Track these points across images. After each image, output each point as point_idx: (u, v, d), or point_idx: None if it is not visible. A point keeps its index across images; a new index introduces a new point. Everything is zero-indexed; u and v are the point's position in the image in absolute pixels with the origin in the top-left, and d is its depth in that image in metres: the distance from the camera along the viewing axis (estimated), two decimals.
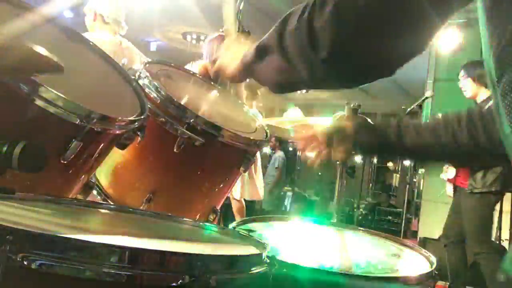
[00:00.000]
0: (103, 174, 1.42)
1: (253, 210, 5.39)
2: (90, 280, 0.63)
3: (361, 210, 9.62)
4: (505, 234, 4.97)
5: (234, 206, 4.09)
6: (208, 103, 1.66)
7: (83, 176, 1.20)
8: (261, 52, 0.88)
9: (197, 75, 1.88)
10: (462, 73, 3.53)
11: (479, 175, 3.43)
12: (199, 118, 1.33)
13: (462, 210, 3.64)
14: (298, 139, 1.41)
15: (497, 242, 4.87)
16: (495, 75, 0.68)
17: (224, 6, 1.30)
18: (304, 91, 11.45)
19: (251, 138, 1.49)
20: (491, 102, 2.75)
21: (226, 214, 4.25)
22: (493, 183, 3.39)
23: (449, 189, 3.95)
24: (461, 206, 3.64)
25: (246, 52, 0.96)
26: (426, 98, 4.67)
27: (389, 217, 9.24)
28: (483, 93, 3.43)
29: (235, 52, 1.02)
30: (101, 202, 1.37)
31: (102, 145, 1.15)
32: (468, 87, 3.47)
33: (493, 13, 0.66)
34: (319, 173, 12.55)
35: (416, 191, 7.80)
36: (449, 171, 3.84)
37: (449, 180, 3.94)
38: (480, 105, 3.39)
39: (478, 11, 0.69)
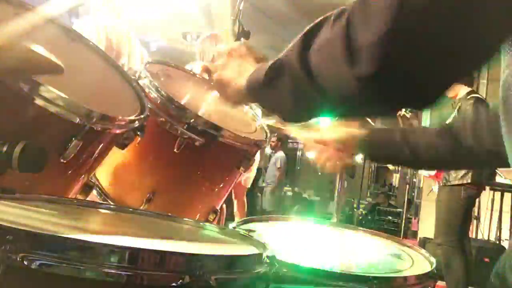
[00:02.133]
0: (103, 174, 1.42)
1: (253, 210, 5.39)
2: (90, 280, 0.63)
3: (361, 210, 9.62)
4: (505, 234, 4.97)
5: (238, 208, 4.11)
6: (208, 103, 1.66)
7: (83, 176, 1.20)
8: (275, 71, 0.74)
9: (197, 75, 1.88)
10: None
11: None
12: (199, 118, 1.33)
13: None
14: (308, 147, 1.36)
15: (497, 241, 4.88)
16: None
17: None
18: None
19: (251, 138, 1.49)
20: (468, 97, 2.79)
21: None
22: (465, 176, 3.47)
23: (435, 187, 4.01)
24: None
25: (255, 70, 0.80)
26: None
27: (389, 217, 9.25)
28: (462, 91, 3.59)
29: (238, 66, 0.88)
30: (101, 202, 1.37)
31: (102, 144, 1.15)
32: None
33: None
34: (319, 173, 12.54)
35: (416, 191, 7.81)
36: None
37: (430, 176, 4.01)
38: (461, 102, 3.53)
39: None
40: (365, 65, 0.58)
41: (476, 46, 0.57)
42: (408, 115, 3.92)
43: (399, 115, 3.88)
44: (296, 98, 0.73)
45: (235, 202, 4.18)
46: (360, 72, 0.59)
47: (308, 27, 0.69)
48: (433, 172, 3.90)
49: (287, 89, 0.73)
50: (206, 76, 1.74)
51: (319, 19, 0.68)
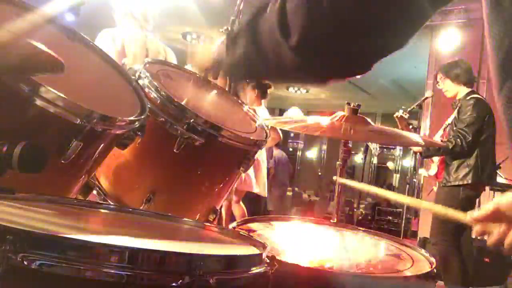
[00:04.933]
0: (103, 174, 1.42)
1: (257, 210, 5.37)
2: (90, 280, 0.63)
3: (361, 210, 9.62)
4: None
5: (236, 211, 4.09)
6: (208, 103, 1.66)
7: (83, 176, 1.20)
8: (233, 38, 0.86)
9: (197, 75, 1.88)
10: (440, 75, 3.70)
11: (452, 169, 3.51)
12: (199, 118, 1.33)
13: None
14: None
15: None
16: (497, 84, 0.66)
17: None
18: (304, 91, 11.48)
19: (251, 138, 1.49)
20: (468, 97, 2.78)
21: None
22: (465, 177, 3.46)
23: (436, 187, 4.00)
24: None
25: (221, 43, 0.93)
26: (426, 98, 4.67)
27: (389, 217, 9.24)
28: (462, 91, 3.59)
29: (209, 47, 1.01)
30: (101, 202, 1.37)
31: (102, 145, 1.15)
32: (449, 87, 3.66)
33: (494, 20, 0.64)
34: (319, 173, 12.55)
35: (416, 191, 7.82)
36: (432, 168, 3.89)
37: (430, 177, 3.99)
38: (461, 103, 3.51)
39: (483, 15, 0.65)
40: (293, 37, 0.70)
41: (398, 18, 0.66)
42: (405, 116, 3.90)
43: (396, 116, 3.87)
44: (247, 63, 0.86)
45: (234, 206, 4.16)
46: (291, 43, 0.71)
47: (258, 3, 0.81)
48: (433, 172, 3.89)
49: (240, 54, 0.85)
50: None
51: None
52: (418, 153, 3.93)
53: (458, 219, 0.88)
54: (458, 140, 3.39)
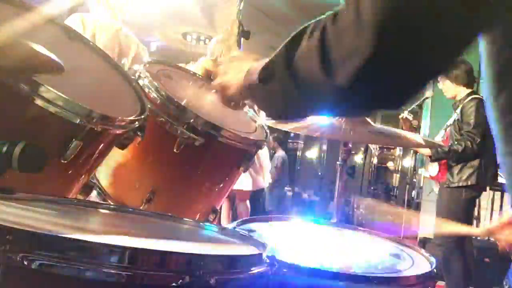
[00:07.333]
0: (103, 174, 1.42)
1: (256, 210, 5.37)
2: (90, 280, 0.63)
3: (361, 210, 9.61)
4: None
5: (240, 210, 4.09)
6: (208, 103, 1.66)
7: (83, 176, 1.20)
8: (267, 74, 0.77)
9: (197, 75, 1.88)
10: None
11: (456, 170, 3.51)
12: (199, 118, 1.33)
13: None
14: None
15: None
16: (493, 92, 0.67)
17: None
18: None
19: (251, 138, 1.49)
20: (469, 98, 2.75)
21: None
22: (469, 178, 3.46)
23: (436, 188, 4.00)
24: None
25: (250, 70, 0.84)
26: (426, 98, 4.67)
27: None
28: (462, 92, 3.60)
29: (238, 68, 0.90)
30: (101, 202, 1.37)
31: (102, 145, 1.15)
32: (448, 88, 3.67)
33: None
34: (319, 173, 12.55)
35: (416, 191, 7.82)
36: (432, 168, 3.88)
37: (431, 177, 3.99)
38: (463, 104, 3.50)
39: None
40: (340, 77, 0.63)
41: (437, 61, 0.61)
42: (410, 117, 3.92)
43: (402, 117, 3.89)
44: (285, 100, 0.77)
45: (239, 205, 4.17)
46: (336, 84, 0.64)
47: (291, 36, 0.73)
48: (434, 173, 3.89)
49: (277, 92, 0.77)
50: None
51: (300, 29, 0.72)
52: (428, 157, 3.92)
53: (474, 234, 0.91)
54: (468, 142, 3.38)
